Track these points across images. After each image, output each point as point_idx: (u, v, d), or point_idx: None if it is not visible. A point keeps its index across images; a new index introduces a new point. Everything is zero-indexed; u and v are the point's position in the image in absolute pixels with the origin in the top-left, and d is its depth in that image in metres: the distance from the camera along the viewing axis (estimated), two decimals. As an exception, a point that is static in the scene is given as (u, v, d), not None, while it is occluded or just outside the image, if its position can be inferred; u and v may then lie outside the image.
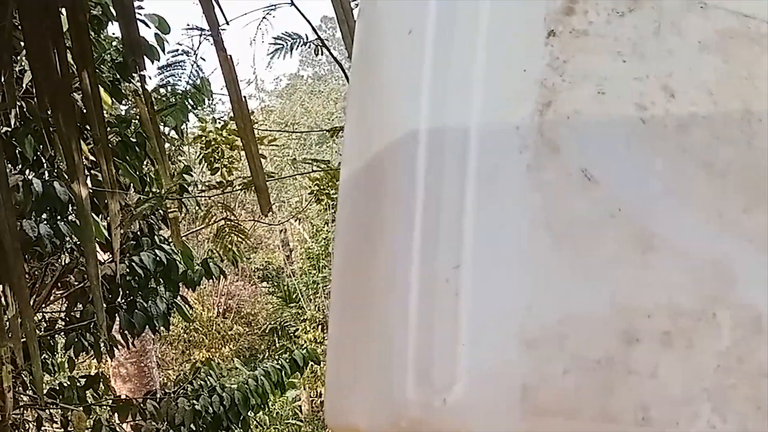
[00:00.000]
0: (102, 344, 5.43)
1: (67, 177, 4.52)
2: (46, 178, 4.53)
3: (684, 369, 0.72)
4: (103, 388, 5.69)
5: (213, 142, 5.78)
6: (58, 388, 5.52)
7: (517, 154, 0.71)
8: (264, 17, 4.12)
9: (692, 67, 0.74)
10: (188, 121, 5.43)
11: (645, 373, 0.71)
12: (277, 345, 12.69)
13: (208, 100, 5.60)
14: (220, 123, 6.01)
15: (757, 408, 0.73)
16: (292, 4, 3.34)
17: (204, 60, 4.72)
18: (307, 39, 4.21)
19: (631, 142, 0.73)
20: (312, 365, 6.89)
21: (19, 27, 3.68)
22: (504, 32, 0.74)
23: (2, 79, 3.46)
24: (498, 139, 0.72)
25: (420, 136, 0.73)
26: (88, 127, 4.27)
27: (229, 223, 5.55)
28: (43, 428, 5.66)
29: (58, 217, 4.70)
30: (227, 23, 3.29)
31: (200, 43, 4.61)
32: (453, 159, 0.72)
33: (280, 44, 4.35)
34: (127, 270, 5.10)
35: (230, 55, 2.77)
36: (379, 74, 0.82)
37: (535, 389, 0.70)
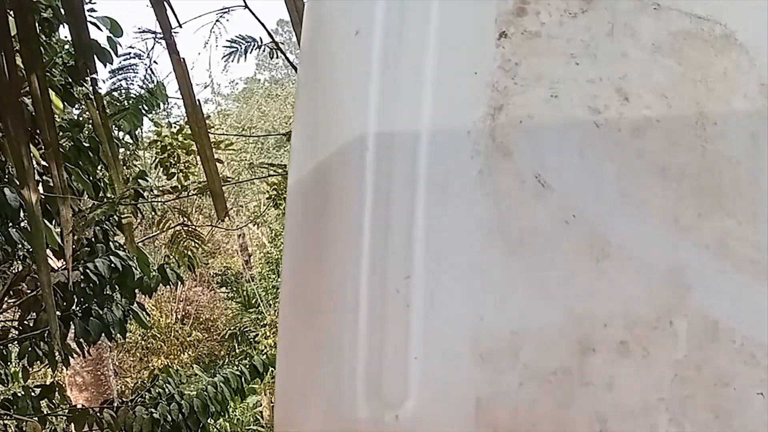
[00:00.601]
0: (57, 353, 5.33)
1: (17, 183, 4.43)
2: (-4, 185, 4.43)
3: (641, 379, 0.71)
4: (58, 397, 5.59)
5: (168, 147, 5.70)
6: (11, 398, 5.40)
7: (469, 160, 0.69)
8: (217, 20, 4.07)
9: (646, 70, 0.73)
10: (142, 125, 5.34)
11: (601, 384, 0.70)
12: (237, 351, 12.58)
13: (163, 104, 5.52)
14: (175, 127, 5.93)
15: (715, 417, 0.71)
16: (246, 7, 3.30)
17: (157, 63, 4.66)
18: (262, 42, 4.17)
19: (585, 146, 0.71)
20: (272, 371, 6.82)
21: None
22: (454, 33, 0.71)
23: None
24: (449, 144, 0.69)
25: (368, 141, 0.71)
26: (38, 131, 4.19)
27: (185, 228, 5.48)
28: (-4, 439, 5.55)
29: (9, 224, 4.60)
30: (180, 26, 3.24)
31: (153, 47, 4.54)
32: (402, 165, 0.70)
33: (234, 47, 4.30)
34: (82, 277, 5.01)
35: (183, 58, 2.73)
36: (325, 77, 0.79)
37: (490, 403, 0.68)
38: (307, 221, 0.81)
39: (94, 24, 4.73)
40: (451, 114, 0.70)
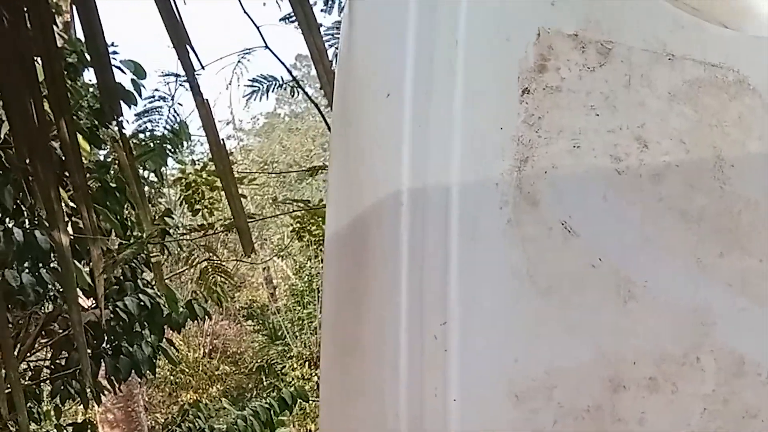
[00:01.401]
0: (88, 391, 5.38)
1: (47, 225, 4.50)
2: (27, 227, 4.51)
3: (671, 414, 0.74)
4: (90, 435, 5.63)
5: (193, 184, 5.77)
6: (44, 437, 5.46)
7: (498, 210, 0.73)
8: (239, 61, 4.14)
9: (664, 117, 0.76)
10: (167, 165, 5.42)
11: (633, 420, 0.73)
12: (265, 383, 12.59)
13: (187, 142, 5.60)
14: (199, 164, 6.01)
15: (743, 449, 0.74)
16: (267, 47, 3.36)
17: (181, 105, 4.73)
18: (283, 80, 4.23)
19: (607, 193, 0.74)
20: (300, 403, 6.84)
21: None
22: (480, 92, 0.75)
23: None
24: (478, 196, 0.73)
25: (402, 196, 0.75)
26: (67, 174, 4.27)
27: (212, 264, 5.53)
28: (30, 479, 5.59)
29: (40, 266, 4.67)
30: (202, 68, 3.30)
31: (176, 89, 4.61)
32: (435, 218, 0.73)
33: (256, 87, 4.37)
34: (111, 315, 5.06)
35: (207, 100, 2.79)
36: (359, 136, 0.83)
37: (526, 441, 0.71)
38: (346, 272, 0.85)
39: (118, 67, 4.82)
40: (480, 168, 0.74)
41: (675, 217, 0.75)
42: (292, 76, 3.98)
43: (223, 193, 6.00)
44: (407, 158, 0.75)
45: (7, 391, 3.50)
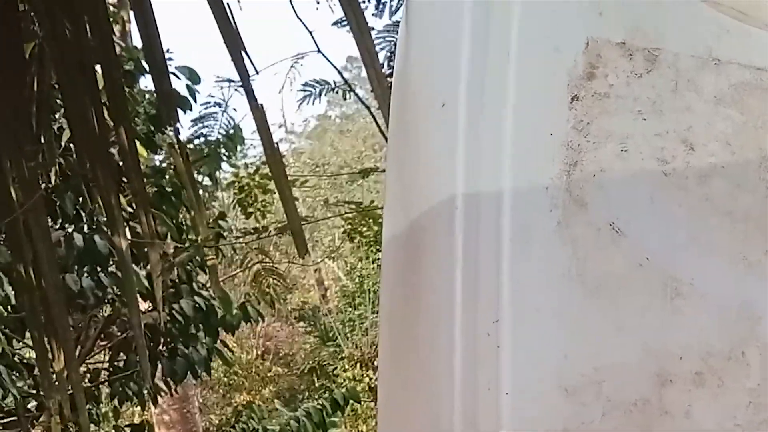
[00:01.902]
0: (145, 392, 5.48)
1: (107, 230, 4.61)
2: (86, 232, 4.62)
3: (717, 407, 0.76)
4: (148, 435, 5.73)
5: (246, 187, 5.86)
6: (103, 437, 5.57)
7: (548, 213, 0.76)
8: (292, 65, 4.21)
9: (710, 121, 0.79)
10: (221, 168, 5.52)
11: (680, 413, 0.75)
12: (317, 384, 12.68)
13: (240, 146, 5.70)
14: (252, 168, 6.10)
15: (789, 441, 0.76)
16: (319, 51, 3.42)
17: (235, 110, 4.83)
18: (335, 84, 4.30)
19: (654, 195, 0.77)
20: (352, 404, 6.89)
21: (57, 86, 3.79)
22: (530, 100, 0.79)
23: (42, 139, 3.56)
24: (529, 200, 0.77)
25: (457, 201, 0.78)
26: (125, 179, 4.36)
27: (265, 266, 5.61)
28: (90, 478, 5.71)
29: (99, 270, 4.77)
30: (257, 73, 3.36)
31: (231, 95, 4.70)
32: (488, 221, 0.77)
33: (309, 91, 4.44)
34: (168, 318, 5.16)
35: (261, 104, 2.84)
36: (416, 144, 0.87)
37: (577, 433, 0.74)
38: (403, 273, 0.89)
39: (174, 73, 4.92)
40: (530, 173, 0.77)
41: (721, 216, 0.78)
42: (344, 79, 4.04)
43: (275, 195, 6.08)
44: (461, 165, 0.79)
45: (69, 392, 3.60)
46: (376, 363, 12.53)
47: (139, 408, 6.64)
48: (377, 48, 3.06)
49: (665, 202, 0.77)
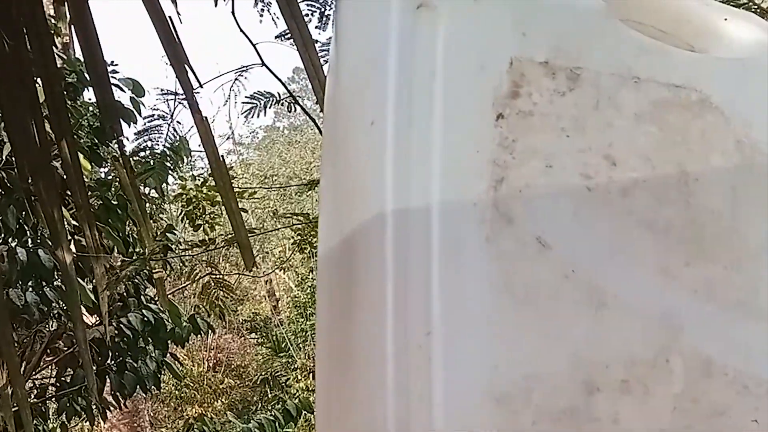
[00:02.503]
0: (94, 407, 5.42)
1: (50, 244, 4.56)
2: (30, 246, 4.56)
3: (643, 413, 0.79)
4: (97, 451, 5.67)
5: (194, 200, 5.83)
6: (51, 454, 5.50)
7: (476, 227, 0.78)
8: (236, 79, 4.21)
9: (631, 137, 0.82)
10: (167, 182, 5.49)
11: (607, 420, 0.78)
12: (270, 396, 12.65)
13: (187, 158, 5.67)
14: (199, 180, 6.07)
15: (712, 445, 0.79)
16: (263, 64, 3.42)
17: (180, 123, 4.82)
18: (280, 96, 4.31)
19: (579, 209, 0.80)
20: (305, 414, 6.87)
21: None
22: (457, 117, 0.81)
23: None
24: (458, 215, 0.79)
25: (387, 216, 0.80)
26: (69, 193, 4.32)
27: (214, 278, 5.59)
28: (38, 496, 5.62)
29: (44, 284, 4.72)
30: (201, 86, 3.36)
31: (175, 108, 4.69)
32: (418, 236, 0.79)
33: (254, 103, 4.44)
34: (116, 332, 5.12)
35: (206, 117, 2.83)
36: (346, 162, 0.89)
37: (507, 441, 0.76)
38: (337, 288, 0.91)
39: (117, 86, 4.88)
40: (459, 188, 0.79)
41: (643, 229, 0.80)
42: (288, 92, 4.05)
43: (224, 207, 6.06)
44: (390, 181, 0.81)
45: (14, 409, 3.56)
46: (327, 373, 12.41)
47: (87, 423, 6.56)
48: (321, 60, 3.08)
49: (589, 215, 0.80)
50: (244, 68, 4.03)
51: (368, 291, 0.82)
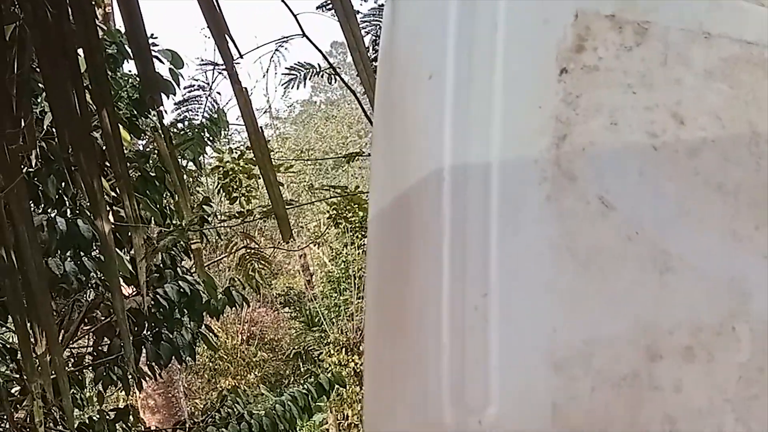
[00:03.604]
0: (130, 377, 5.48)
1: (89, 214, 4.59)
2: (69, 216, 4.60)
3: (707, 381, 0.76)
4: (132, 420, 5.73)
5: (230, 172, 5.84)
6: (87, 422, 5.56)
7: (537, 186, 0.75)
8: (276, 49, 4.18)
9: (700, 94, 0.78)
10: (206, 153, 5.49)
11: (670, 388, 0.75)
12: (302, 369, 12.72)
13: (225, 131, 5.67)
14: (236, 153, 6.08)
15: (779, 416, 0.76)
16: (304, 35, 3.39)
17: (220, 94, 4.80)
18: (320, 68, 4.27)
19: (644, 168, 0.76)
20: (338, 388, 6.90)
21: (38, 69, 3.76)
22: (518, 72, 0.78)
23: (23, 122, 3.53)
24: (518, 173, 0.76)
25: (444, 173, 0.77)
26: (108, 164, 4.34)
27: (250, 251, 5.60)
28: (74, 463, 5.70)
29: (83, 254, 4.76)
30: (241, 56, 3.34)
31: (215, 79, 4.68)
32: (476, 193, 0.76)
33: (293, 75, 4.41)
34: (152, 302, 5.15)
35: (246, 88, 2.82)
36: (403, 117, 0.86)
37: (565, 408, 0.74)
38: (390, 248, 0.88)
39: (157, 57, 4.89)
40: (519, 145, 0.77)
41: (711, 190, 0.77)
42: (329, 63, 4.02)
43: (260, 181, 6.07)
44: (449, 136, 0.78)
45: (52, 377, 3.59)
46: (361, 348, 12.59)
47: (123, 393, 6.64)
48: (362, 32, 3.04)
49: (655, 175, 0.76)
50: (285, 39, 4.00)
51: (424, 250, 0.80)
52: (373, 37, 3.91)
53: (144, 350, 5.34)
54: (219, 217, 5.49)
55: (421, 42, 0.85)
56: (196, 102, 4.83)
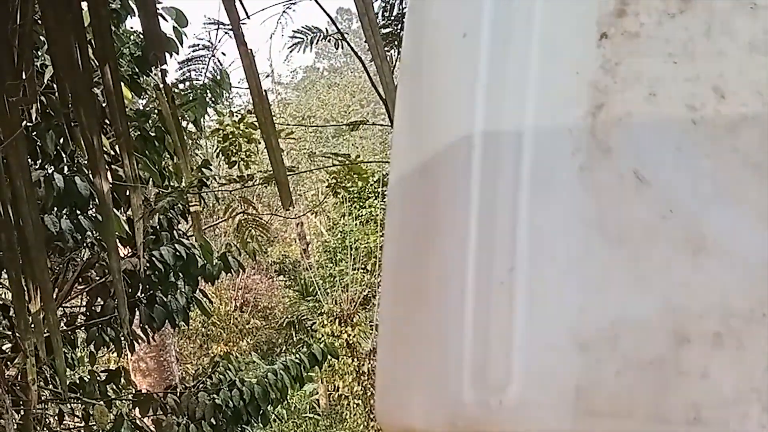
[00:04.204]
0: (123, 339, 5.46)
1: (87, 172, 4.54)
2: (67, 173, 4.55)
3: (734, 369, 0.72)
4: (123, 382, 5.73)
5: (230, 136, 5.80)
6: (78, 382, 5.56)
7: (570, 156, 0.72)
8: (284, 11, 4.12)
9: (742, 68, 0.74)
10: (207, 114, 5.44)
11: (696, 374, 0.72)
12: (295, 339, 12.74)
13: (227, 93, 5.61)
14: (237, 116, 6.03)
15: (806, 408, 0.73)
16: (313, -2, 3.34)
17: (225, 55, 4.74)
18: (327, 32, 4.21)
19: (682, 143, 0.73)
20: (330, 359, 6.90)
21: (40, 21, 3.70)
22: (557, 35, 0.74)
23: (24, 75, 3.48)
24: (551, 142, 0.72)
25: (475, 139, 0.74)
26: (107, 122, 4.30)
27: (249, 217, 5.57)
28: (64, 422, 5.70)
29: (79, 212, 4.72)
30: (248, 17, 3.29)
31: (220, 39, 4.62)
32: (507, 162, 0.73)
33: (300, 38, 4.35)
34: (147, 265, 5.12)
35: (251, 50, 2.77)
36: (432, 77, 0.82)
37: (589, 390, 0.71)
38: (412, 215, 0.84)
39: (160, 14, 4.82)
40: (554, 113, 0.73)
41: (749, 170, 0.73)
42: (337, 28, 3.96)
43: (260, 146, 6.02)
44: (481, 100, 0.74)
45: (45, 335, 3.57)
46: (354, 319, 12.62)
47: (115, 354, 6.63)
48: (371, -1, 2.98)
49: (692, 151, 0.73)
50: (293, 2, 3.95)
51: (450, 219, 0.76)
52: (382, 4, 3.86)
53: (137, 312, 5.32)
54: (219, 180, 5.45)
55: (456, -1, 0.81)
56: (199, 62, 4.77)
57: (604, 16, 0.73)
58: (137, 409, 5.75)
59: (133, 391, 5.91)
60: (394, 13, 3.75)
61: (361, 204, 13.07)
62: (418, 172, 0.82)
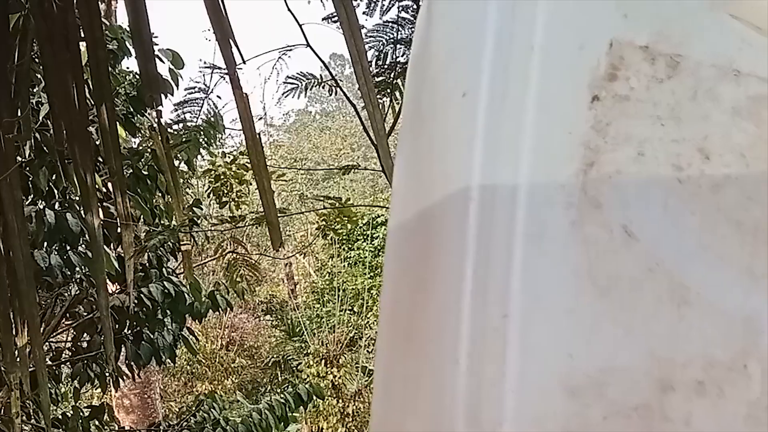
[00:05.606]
0: (108, 375, 5.44)
1: (79, 208, 4.57)
2: (58, 209, 4.58)
3: (716, 417, 0.76)
4: (107, 418, 5.70)
5: (222, 176, 5.84)
6: (61, 417, 5.52)
7: (563, 211, 0.76)
8: (280, 57, 4.19)
9: (726, 131, 0.79)
10: (201, 154, 5.49)
11: (679, 420, 0.75)
12: (280, 378, 12.68)
13: (221, 134, 5.67)
14: (229, 157, 6.08)
15: (785, 455, 0.76)
16: (308, 45, 3.40)
17: (220, 98, 4.81)
18: (321, 79, 4.29)
19: (668, 200, 0.77)
20: (315, 400, 6.87)
21: (37, 60, 3.75)
22: (551, 96, 0.78)
23: (20, 112, 3.52)
24: (545, 196, 0.76)
25: (472, 192, 0.78)
26: (101, 159, 4.33)
27: (239, 256, 5.59)
28: (46, 458, 5.66)
29: (69, 248, 4.74)
30: (244, 62, 3.34)
31: (216, 83, 4.69)
32: (502, 214, 0.76)
33: (294, 84, 4.42)
34: (135, 301, 5.13)
35: (246, 94, 2.82)
36: (432, 131, 0.86)
37: (577, 434, 0.74)
38: (410, 261, 0.88)
39: (157, 56, 4.88)
40: (548, 169, 0.77)
41: (731, 227, 0.77)
42: (331, 74, 4.03)
43: (251, 187, 6.06)
44: (478, 155, 0.78)
45: (30, 369, 3.57)
46: (341, 360, 12.60)
47: (99, 390, 6.58)
48: (366, 46, 3.05)
49: (678, 208, 0.77)
50: (289, 48, 4.01)
51: (446, 266, 0.80)
52: (376, 53, 3.94)
53: (124, 349, 5.31)
54: (210, 220, 5.48)
55: (456, 60, 0.85)
56: (194, 104, 4.83)
57: (596, 80, 0.77)
58: (120, 447, 5.71)
59: (117, 428, 5.88)
60: (387, 62, 3.83)
61: (350, 246, 13.15)
62: (416, 220, 0.86)
